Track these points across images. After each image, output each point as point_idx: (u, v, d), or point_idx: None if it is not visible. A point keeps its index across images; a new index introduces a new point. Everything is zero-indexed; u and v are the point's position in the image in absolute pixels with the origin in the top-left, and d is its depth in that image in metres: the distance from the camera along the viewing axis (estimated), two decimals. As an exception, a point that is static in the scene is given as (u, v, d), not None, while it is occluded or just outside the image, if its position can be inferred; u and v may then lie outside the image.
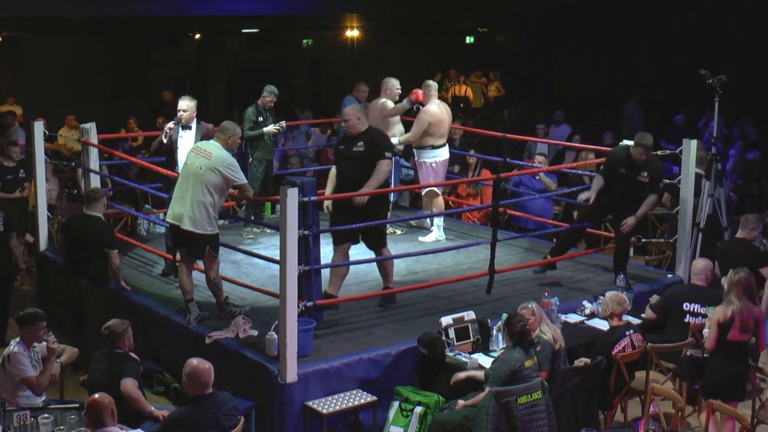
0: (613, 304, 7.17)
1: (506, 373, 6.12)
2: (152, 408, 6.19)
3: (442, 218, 10.05)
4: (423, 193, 10.15)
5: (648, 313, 7.67)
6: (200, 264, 7.60)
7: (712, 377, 6.78)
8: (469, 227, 10.71)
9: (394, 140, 9.67)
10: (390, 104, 9.98)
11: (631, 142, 8.52)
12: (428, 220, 10.17)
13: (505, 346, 6.70)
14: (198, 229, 7.25)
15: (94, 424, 5.29)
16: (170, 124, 8.52)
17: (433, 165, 9.90)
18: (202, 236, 7.28)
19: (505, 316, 7.21)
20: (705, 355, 6.94)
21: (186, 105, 8.54)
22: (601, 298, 7.63)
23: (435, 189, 9.91)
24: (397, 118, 10.12)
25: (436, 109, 9.83)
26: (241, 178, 7.32)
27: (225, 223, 10.06)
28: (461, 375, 6.70)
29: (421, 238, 9.94)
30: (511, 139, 11.53)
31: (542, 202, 10.80)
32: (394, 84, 10.09)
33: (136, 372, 6.29)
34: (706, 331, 6.92)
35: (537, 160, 11.11)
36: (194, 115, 8.59)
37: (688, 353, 7.22)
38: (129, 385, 6.14)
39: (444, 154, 9.97)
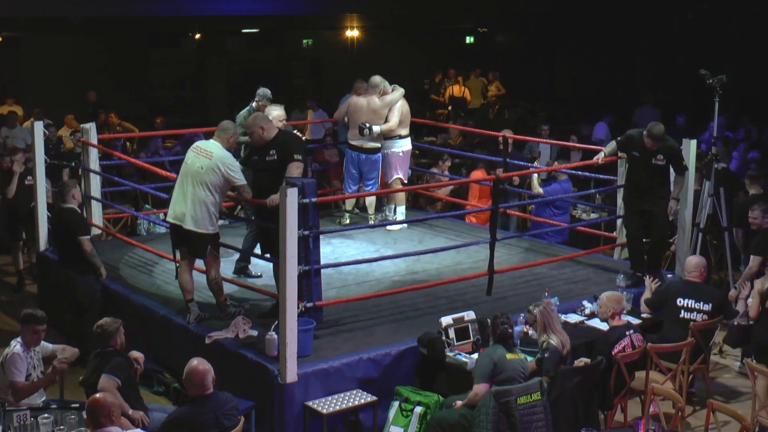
0: (611, 303, 7.16)
1: (489, 366, 6.24)
2: (130, 411, 6.09)
3: (403, 206, 10.50)
4: (390, 181, 10.31)
5: (642, 308, 7.84)
6: (200, 264, 7.59)
7: (757, 341, 7.36)
8: (469, 227, 10.71)
9: (376, 129, 9.92)
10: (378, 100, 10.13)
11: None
12: (388, 209, 10.44)
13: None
14: (200, 228, 7.24)
15: (94, 424, 5.29)
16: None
17: (401, 154, 10.26)
18: (204, 236, 7.28)
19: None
20: (751, 323, 7.53)
21: (283, 113, 8.64)
22: (602, 298, 7.62)
23: (401, 177, 10.30)
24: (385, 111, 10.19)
25: (403, 100, 10.22)
26: (240, 179, 7.31)
27: (225, 223, 10.06)
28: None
29: (389, 227, 10.20)
30: (510, 139, 11.52)
31: (543, 207, 10.84)
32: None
33: (119, 368, 6.19)
34: (750, 300, 7.62)
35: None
36: None
37: (735, 323, 7.76)
38: (104, 381, 6.06)
39: (409, 144, 10.40)
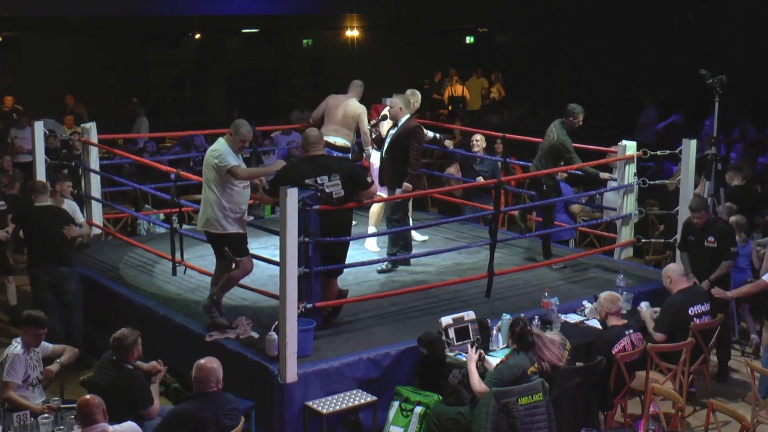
0: (607, 303, 7.16)
1: (509, 378, 6.11)
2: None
3: None
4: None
5: (659, 336, 7.37)
6: (205, 267, 7.54)
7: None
8: (469, 227, 10.70)
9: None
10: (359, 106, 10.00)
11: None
12: None
13: (505, 346, 6.76)
14: (211, 228, 7.10)
15: (85, 422, 5.36)
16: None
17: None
18: (218, 236, 7.13)
19: (505, 316, 7.22)
20: None
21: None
22: (602, 299, 7.60)
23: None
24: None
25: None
26: (229, 161, 6.92)
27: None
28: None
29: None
30: (510, 139, 11.53)
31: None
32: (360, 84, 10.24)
33: (150, 396, 6.33)
34: None
35: None
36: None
37: None
38: (153, 412, 6.24)
39: None
